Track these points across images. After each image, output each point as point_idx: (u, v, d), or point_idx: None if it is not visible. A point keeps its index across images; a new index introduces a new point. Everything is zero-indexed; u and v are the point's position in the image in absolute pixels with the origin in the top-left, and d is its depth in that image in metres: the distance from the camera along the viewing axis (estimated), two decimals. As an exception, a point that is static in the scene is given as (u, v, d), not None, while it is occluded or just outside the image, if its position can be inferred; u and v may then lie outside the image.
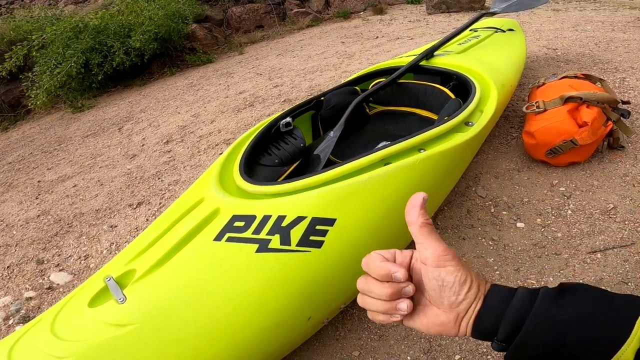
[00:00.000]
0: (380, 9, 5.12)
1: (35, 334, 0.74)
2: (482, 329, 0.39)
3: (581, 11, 3.58)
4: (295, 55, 3.84)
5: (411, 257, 0.42)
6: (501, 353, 0.87)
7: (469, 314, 0.39)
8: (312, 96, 1.48)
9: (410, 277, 0.41)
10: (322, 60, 3.43)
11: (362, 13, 5.31)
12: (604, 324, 0.35)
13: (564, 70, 2.14)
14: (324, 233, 0.77)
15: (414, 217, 0.41)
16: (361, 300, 0.42)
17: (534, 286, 0.97)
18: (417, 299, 0.41)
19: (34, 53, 3.76)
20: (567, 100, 1.30)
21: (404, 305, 0.40)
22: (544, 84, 1.53)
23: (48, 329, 0.73)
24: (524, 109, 1.40)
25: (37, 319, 0.79)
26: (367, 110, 1.58)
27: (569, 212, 1.21)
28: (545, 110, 1.33)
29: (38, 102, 3.67)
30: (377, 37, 3.90)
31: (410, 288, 0.40)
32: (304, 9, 5.31)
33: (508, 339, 0.38)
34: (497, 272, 1.06)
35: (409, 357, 0.90)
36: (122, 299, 0.73)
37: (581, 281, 0.98)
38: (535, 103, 1.37)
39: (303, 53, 3.86)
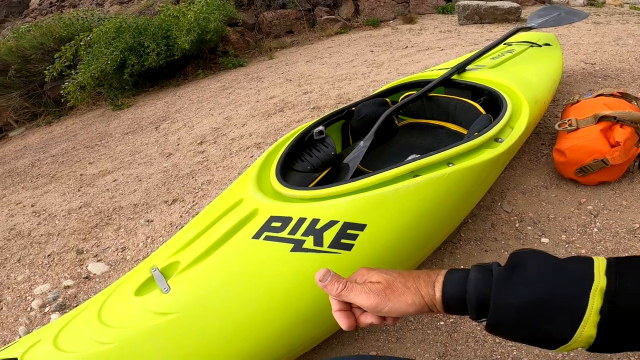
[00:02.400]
0: (410, 19, 5.12)
1: (82, 319, 0.79)
2: (453, 311, 0.46)
3: (624, 24, 3.46)
4: (324, 63, 3.90)
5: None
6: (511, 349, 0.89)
7: (431, 300, 0.46)
8: (341, 105, 1.53)
9: None
10: (350, 68, 3.48)
11: (391, 22, 5.34)
12: (560, 301, 0.37)
13: (601, 86, 2.10)
14: (354, 237, 0.82)
15: (333, 289, 0.50)
16: None
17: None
18: None
19: (81, 52, 3.97)
20: (601, 119, 1.30)
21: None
22: (578, 101, 1.52)
23: (95, 315, 0.78)
24: (556, 126, 1.40)
25: (84, 305, 0.84)
26: (396, 121, 1.61)
27: (595, 229, 1.20)
28: (577, 129, 1.33)
29: (72, 98, 3.84)
30: (407, 46, 3.91)
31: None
32: (334, 16, 5.38)
33: (480, 316, 0.43)
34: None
35: (424, 361, 0.93)
36: (166, 289, 0.79)
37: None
38: (568, 121, 1.36)
39: (332, 60, 3.92)
